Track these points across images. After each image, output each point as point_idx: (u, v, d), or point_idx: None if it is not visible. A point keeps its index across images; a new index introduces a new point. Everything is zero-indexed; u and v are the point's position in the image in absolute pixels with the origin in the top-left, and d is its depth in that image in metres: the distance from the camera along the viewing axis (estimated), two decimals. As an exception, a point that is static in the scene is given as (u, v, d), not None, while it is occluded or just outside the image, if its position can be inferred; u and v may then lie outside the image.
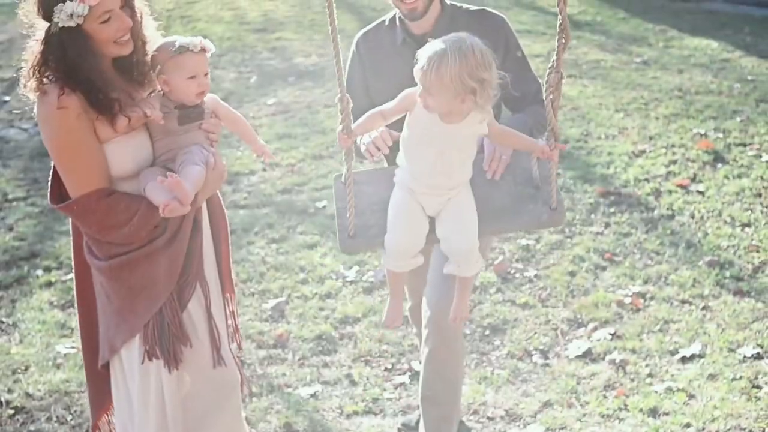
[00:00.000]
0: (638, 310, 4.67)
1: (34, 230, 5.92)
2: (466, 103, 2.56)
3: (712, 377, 4.06)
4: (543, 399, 4.02)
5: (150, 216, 2.62)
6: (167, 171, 2.64)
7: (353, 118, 2.71)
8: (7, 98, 8.82)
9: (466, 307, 2.99)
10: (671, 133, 6.77)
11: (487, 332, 4.58)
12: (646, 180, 6.04)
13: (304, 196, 6.22)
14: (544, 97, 2.68)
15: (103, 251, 2.70)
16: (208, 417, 2.86)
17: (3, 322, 4.84)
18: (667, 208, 5.67)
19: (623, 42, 9.87)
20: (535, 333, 4.54)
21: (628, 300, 4.75)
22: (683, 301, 4.72)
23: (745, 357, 4.19)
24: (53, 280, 5.21)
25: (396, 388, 4.17)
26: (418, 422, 3.73)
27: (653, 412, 3.86)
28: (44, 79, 2.58)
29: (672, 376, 4.11)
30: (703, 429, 3.72)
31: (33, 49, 2.61)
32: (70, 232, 2.88)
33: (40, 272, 5.32)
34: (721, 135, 6.66)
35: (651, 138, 6.70)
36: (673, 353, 4.29)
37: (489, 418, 3.93)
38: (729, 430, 3.69)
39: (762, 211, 5.57)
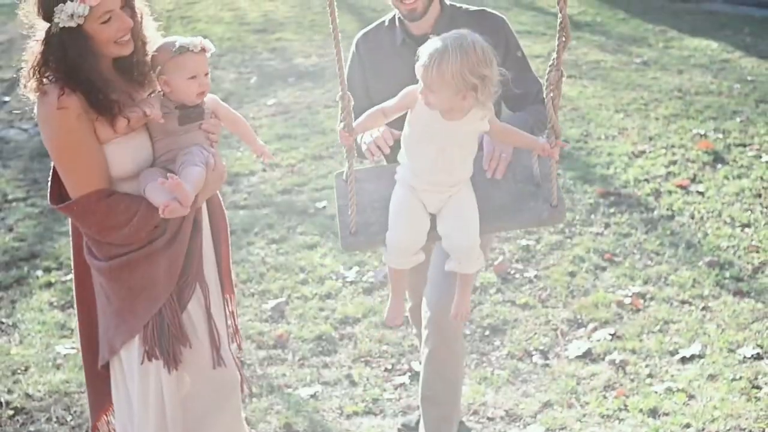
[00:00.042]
0: (638, 310, 4.67)
1: (33, 231, 5.92)
2: (468, 100, 2.57)
3: (711, 378, 4.06)
4: (543, 399, 4.02)
5: (150, 217, 2.62)
6: (167, 172, 2.64)
7: (353, 118, 2.72)
8: (7, 99, 8.82)
9: (467, 305, 2.99)
10: (671, 133, 6.78)
11: (487, 333, 4.58)
12: (646, 180, 6.05)
13: (304, 196, 6.22)
14: (544, 96, 2.69)
15: (102, 252, 2.70)
16: (208, 417, 2.86)
17: (3, 323, 4.84)
18: (667, 209, 5.67)
19: (623, 42, 9.87)
20: (535, 333, 4.54)
21: (628, 300, 4.75)
22: (683, 302, 4.72)
23: (744, 357, 4.19)
24: (53, 280, 5.21)
25: (396, 389, 4.17)
26: (418, 423, 3.73)
27: (653, 413, 3.86)
28: (44, 80, 2.58)
29: (672, 376, 4.11)
30: (703, 429, 3.72)
31: (33, 49, 2.61)
32: (70, 233, 2.88)
33: (40, 273, 5.32)
34: (720, 135, 6.66)
35: (651, 138, 6.71)
36: (673, 354, 4.29)
37: (489, 419, 3.93)
38: (729, 430, 3.69)
39: (762, 212, 5.57)
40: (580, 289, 4.90)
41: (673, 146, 6.53)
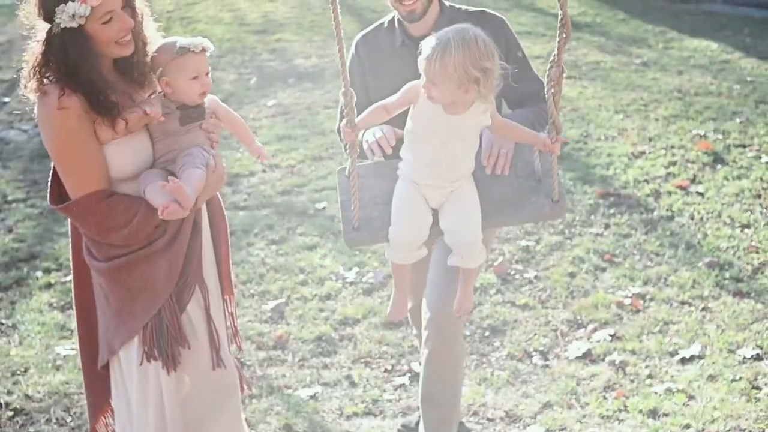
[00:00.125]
0: (638, 311, 4.67)
1: (33, 232, 5.92)
2: (470, 93, 2.59)
3: (711, 378, 4.06)
4: (543, 400, 4.02)
5: (150, 218, 2.62)
6: (168, 174, 2.64)
7: (356, 115, 2.73)
8: (6, 100, 8.82)
9: (469, 300, 3.00)
10: (671, 134, 6.78)
11: (486, 333, 4.58)
12: (646, 181, 6.05)
13: (304, 197, 6.22)
14: (545, 93, 2.70)
15: (102, 253, 2.70)
16: (208, 418, 2.86)
17: (2, 324, 4.83)
18: (667, 210, 5.68)
19: (623, 43, 9.87)
20: (535, 334, 4.54)
21: (627, 301, 4.75)
22: (683, 302, 4.72)
23: (744, 358, 4.19)
24: (53, 281, 5.21)
25: (396, 390, 4.17)
26: (417, 423, 3.73)
27: (653, 413, 3.86)
28: (45, 80, 2.58)
29: (672, 377, 4.11)
30: (703, 430, 3.72)
31: (34, 50, 2.61)
32: (69, 234, 2.88)
33: (39, 274, 5.32)
34: (720, 136, 6.66)
35: (650, 139, 6.71)
36: (672, 354, 4.29)
37: (489, 420, 3.93)
38: (729, 431, 3.69)
39: (761, 212, 5.58)
40: (579, 290, 4.91)
41: (672, 147, 6.53)
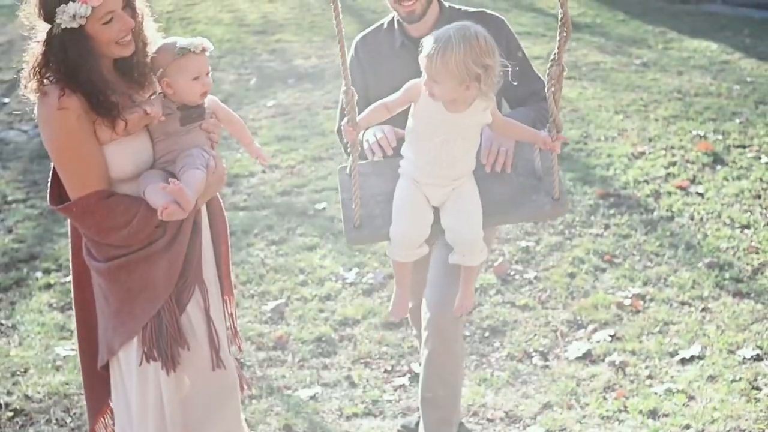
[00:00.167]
0: (638, 311, 4.67)
1: (33, 232, 5.92)
2: (471, 90, 2.60)
3: (711, 379, 4.06)
4: (543, 401, 4.02)
5: (149, 218, 2.62)
6: (168, 175, 2.64)
7: (357, 114, 2.74)
8: (6, 100, 8.82)
9: (471, 298, 3.01)
10: (671, 134, 6.78)
11: (486, 334, 4.58)
12: (646, 182, 6.05)
13: (304, 197, 6.22)
14: (546, 91, 2.71)
15: (101, 253, 2.70)
16: (208, 419, 2.86)
17: (2, 324, 4.83)
18: (667, 210, 5.68)
19: (623, 44, 9.87)
20: (535, 335, 4.54)
21: (627, 302, 4.75)
22: (683, 303, 4.73)
23: (744, 358, 4.19)
24: (52, 282, 5.21)
25: (396, 390, 4.17)
26: (417, 424, 3.73)
27: (653, 414, 3.86)
28: (45, 80, 2.58)
29: (672, 377, 4.11)
30: (703, 430, 3.72)
31: (34, 50, 2.61)
32: (69, 234, 2.88)
33: (39, 274, 5.32)
34: (720, 137, 6.66)
35: (650, 140, 6.71)
36: (672, 355, 4.29)
37: (489, 420, 3.93)
38: (728, 431, 3.69)
39: (761, 213, 5.58)
40: (579, 291, 4.90)
41: (672, 147, 6.53)
